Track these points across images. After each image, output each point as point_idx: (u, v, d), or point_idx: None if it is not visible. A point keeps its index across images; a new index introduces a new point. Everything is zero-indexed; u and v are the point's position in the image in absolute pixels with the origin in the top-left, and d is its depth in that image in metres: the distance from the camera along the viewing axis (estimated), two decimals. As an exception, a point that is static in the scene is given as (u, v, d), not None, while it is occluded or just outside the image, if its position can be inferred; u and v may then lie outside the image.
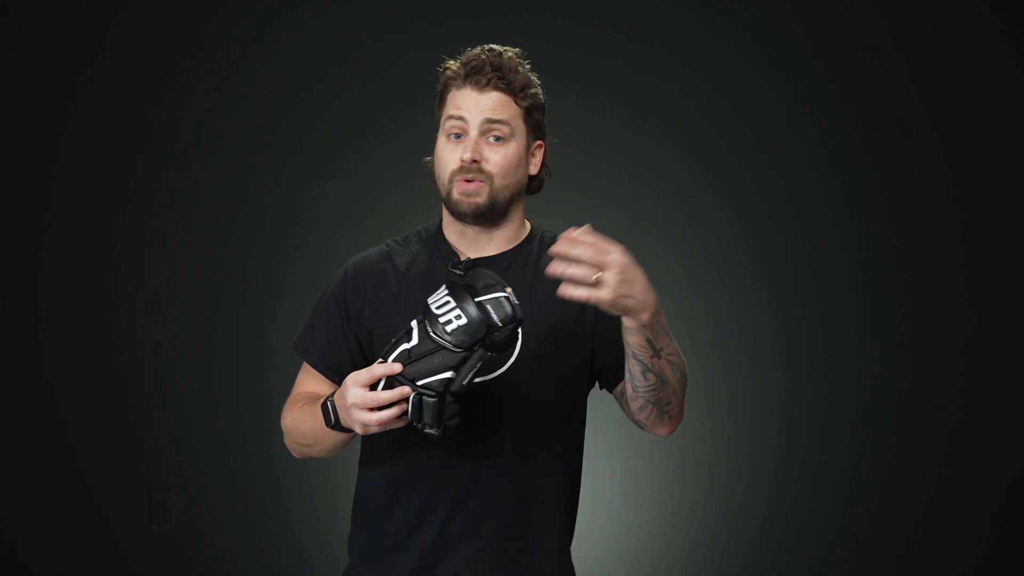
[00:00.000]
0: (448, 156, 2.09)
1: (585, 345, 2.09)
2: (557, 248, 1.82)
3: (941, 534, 3.97)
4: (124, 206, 4.11)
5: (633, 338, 1.92)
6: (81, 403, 4.07)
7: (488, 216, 2.10)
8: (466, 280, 1.89)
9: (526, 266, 2.14)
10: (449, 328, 1.83)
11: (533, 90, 2.11)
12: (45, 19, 4.10)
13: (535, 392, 2.06)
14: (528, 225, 2.20)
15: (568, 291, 1.81)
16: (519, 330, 1.87)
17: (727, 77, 4.07)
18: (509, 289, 1.87)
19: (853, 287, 4.03)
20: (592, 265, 1.80)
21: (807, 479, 4.01)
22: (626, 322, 1.89)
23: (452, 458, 2.08)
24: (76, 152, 4.10)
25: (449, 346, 1.83)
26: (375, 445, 2.15)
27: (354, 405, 1.90)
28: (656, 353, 1.95)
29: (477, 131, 2.07)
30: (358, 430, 1.94)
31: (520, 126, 2.10)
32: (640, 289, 1.85)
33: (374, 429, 1.91)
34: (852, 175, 4.04)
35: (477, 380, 1.93)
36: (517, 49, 2.14)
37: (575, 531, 2.19)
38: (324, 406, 2.01)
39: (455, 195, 2.08)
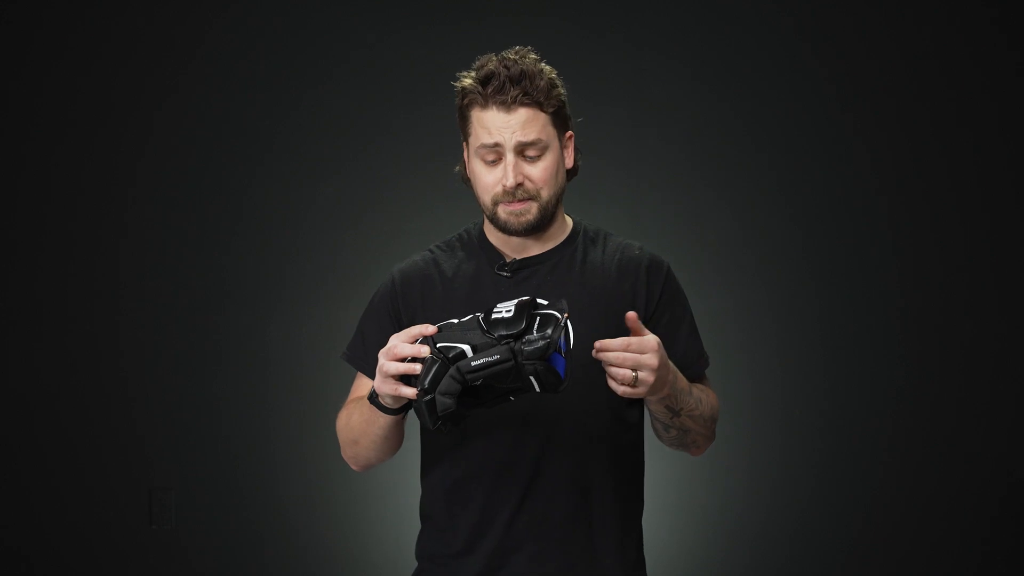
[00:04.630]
0: (487, 179, 2.09)
1: None
2: (600, 354, 1.92)
3: (941, 534, 3.97)
4: (124, 206, 4.11)
5: (653, 407, 2.03)
6: (81, 403, 4.07)
7: (539, 228, 2.12)
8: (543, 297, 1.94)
9: (572, 264, 2.15)
10: (493, 316, 1.87)
11: (556, 90, 2.09)
12: (45, 19, 4.10)
13: (587, 391, 2.05)
14: (569, 220, 2.21)
15: (612, 385, 1.92)
16: (556, 372, 1.87)
17: (727, 77, 4.06)
18: (567, 315, 1.88)
19: (853, 287, 4.03)
20: (628, 366, 1.90)
21: (807, 479, 4.01)
22: (647, 397, 1.98)
23: (510, 461, 2.08)
24: (76, 152, 4.10)
25: (483, 327, 1.86)
26: (434, 450, 2.15)
27: (381, 352, 1.91)
28: (676, 414, 2.04)
29: (513, 154, 2.06)
30: (376, 381, 1.93)
31: (552, 132, 2.10)
32: (663, 374, 1.93)
33: (387, 388, 1.91)
34: (852, 175, 4.04)
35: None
36: (529, 48, 2.12)
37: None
38: (371, 398, 2.02)
39: (503, 216, 2.10)
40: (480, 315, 1.89)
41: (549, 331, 1.83)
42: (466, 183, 2.17)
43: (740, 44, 4.05)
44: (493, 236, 2.17)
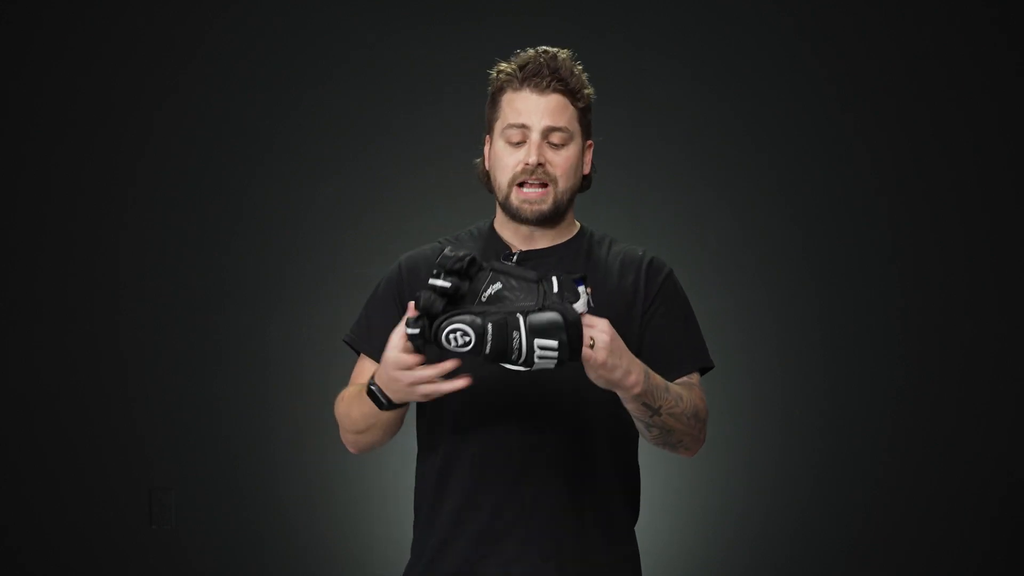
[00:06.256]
0: (509, 160, 2.12)
1: (632, 339, 2.09)
2: None
3: (941, 534, 3.97)
4: (125, 206, 4.11)
5: (630, 405, 2.00)
6: (81, 403, 4.07)
7: (550, 220, 2.14)
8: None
9: (576, 258, 2.17)
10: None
11: (587, 91, 2.17)
12: (45, 19, 4.10)
13: (584, 378, 2.02)
14: (577, 224, 2.23)
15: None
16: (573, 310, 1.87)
17: (727, 77, 4.07)
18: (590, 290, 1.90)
19: (853, 287, 4.03)
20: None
21: (807, 479, 4.01)
22: (620, 394, 1.96)
23: (501, 447, 2.09)
24: (76, 152, 4.10)
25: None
26: (427, 441, 2.17)
27: (396, 374, 1.92)
28: (655, 412, 2.01)
29: (539, 135, 2.11)
30: (395, 391, 1.94)
31: (577, 128, 2.15)
32: (628, 360, 1.92)
33: (417, 395, 1.92)
34: (852, 175, 4.04)
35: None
36: (568, 50, 2.18)
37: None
38: (370, 392, 1.99)
39: (515, 202, 2.12)
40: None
41: (578, 275, 1.87)
42: (481, 180, 2.20)
43: (740, 44, 4.05)
44: (503, 229, 2.19)
